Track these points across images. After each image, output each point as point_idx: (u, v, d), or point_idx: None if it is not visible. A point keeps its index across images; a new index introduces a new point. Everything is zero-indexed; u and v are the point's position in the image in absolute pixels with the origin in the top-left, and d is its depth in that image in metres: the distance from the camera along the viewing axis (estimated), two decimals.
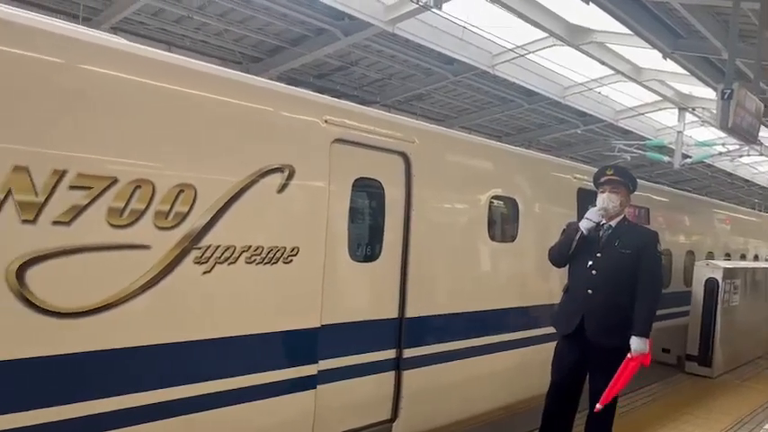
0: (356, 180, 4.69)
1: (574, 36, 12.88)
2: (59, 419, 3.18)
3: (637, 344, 4.57)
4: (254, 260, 3.96)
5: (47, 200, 3.09)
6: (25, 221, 3.03)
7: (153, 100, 3.62)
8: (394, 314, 5.00)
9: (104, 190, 3.28)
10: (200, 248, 3.68)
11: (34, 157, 3.06)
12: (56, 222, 3.12)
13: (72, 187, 3.17)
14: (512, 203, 6.28)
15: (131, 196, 3.39)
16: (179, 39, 13.12)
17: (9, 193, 2.97)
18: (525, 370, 6.18)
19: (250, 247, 3.93)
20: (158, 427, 3.57)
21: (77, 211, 3.19)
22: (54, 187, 3.11)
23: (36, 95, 3.15)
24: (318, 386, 4.41)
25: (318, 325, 4.38)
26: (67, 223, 3.16)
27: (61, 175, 3.13)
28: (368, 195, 4.99)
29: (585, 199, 6.40)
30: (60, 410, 3.19)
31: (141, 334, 3.51)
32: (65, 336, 3.21)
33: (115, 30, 11.43)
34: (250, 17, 12.73)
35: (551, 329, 5.20)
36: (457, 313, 5.56)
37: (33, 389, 3.13)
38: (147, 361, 3.54)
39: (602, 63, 14.01)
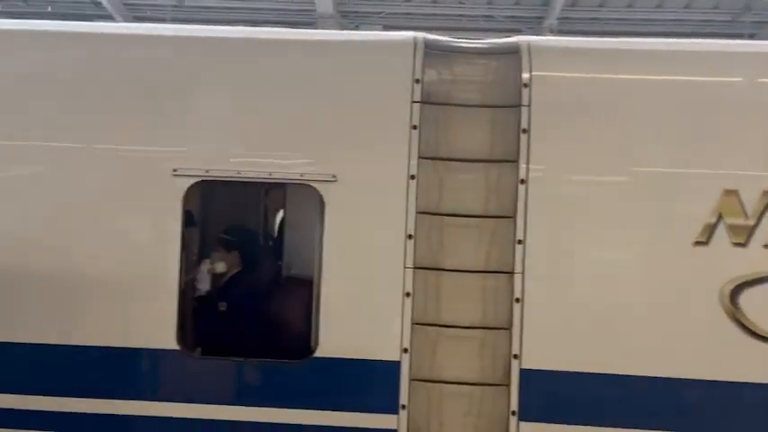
0: None
1: None
2: None
3: None
4: None
5: (757, 223, 3.06)
6: (736, 244, 3.06)
7: None
8: None
9: None
10: None
11: (743, 181, 3.08)
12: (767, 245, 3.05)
13: None
14: None
15: None
16: None
17: (720, 217, 3.07)
18: None
19: None
20: None
21: None
22: (764, 210, 3.06)
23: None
24: None
25: None
26: None
27: None
28: None
29: None
30: None
31: None
32: None
33: None
34: None
35: None
36: None
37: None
38: None
39: None
